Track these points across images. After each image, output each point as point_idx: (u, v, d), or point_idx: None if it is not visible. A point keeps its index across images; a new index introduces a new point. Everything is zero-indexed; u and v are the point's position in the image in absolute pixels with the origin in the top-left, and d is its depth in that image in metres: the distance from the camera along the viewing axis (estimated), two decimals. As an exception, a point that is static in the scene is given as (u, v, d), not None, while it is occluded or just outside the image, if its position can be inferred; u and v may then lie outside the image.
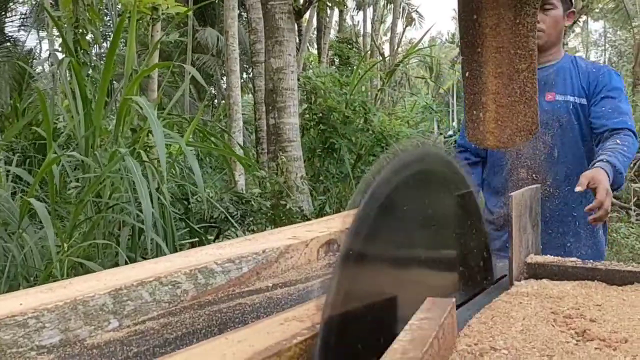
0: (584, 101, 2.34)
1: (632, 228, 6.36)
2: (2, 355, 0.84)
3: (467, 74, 1.30)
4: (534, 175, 2.33)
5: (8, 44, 17.24)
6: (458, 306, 1.08)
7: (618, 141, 2.17)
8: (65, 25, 4.71)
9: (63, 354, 0.89)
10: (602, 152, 2.13)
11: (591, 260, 1.24)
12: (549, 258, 1.25)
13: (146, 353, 0.89)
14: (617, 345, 0.80)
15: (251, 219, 4.32)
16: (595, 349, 0.79)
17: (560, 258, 1.26)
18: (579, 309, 0.98)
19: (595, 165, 2.04)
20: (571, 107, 2.34)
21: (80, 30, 4.75)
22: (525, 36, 1.24)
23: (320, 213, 5.66)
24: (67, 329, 0.93)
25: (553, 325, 0.90)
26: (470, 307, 1.06)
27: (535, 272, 1.22)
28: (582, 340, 0.83)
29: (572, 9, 2.41)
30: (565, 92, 2.36)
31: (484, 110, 1.26)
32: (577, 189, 1.95)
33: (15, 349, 0.86)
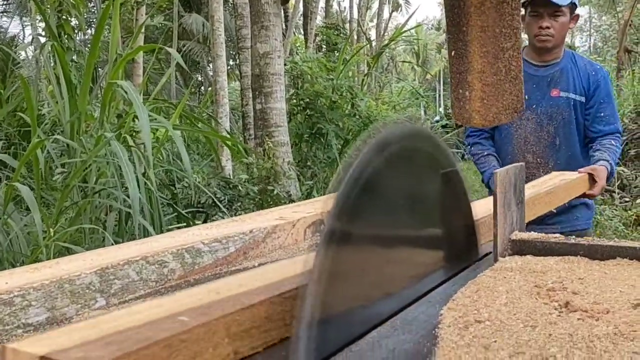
0: (583, 99, 2.71)
1: (616, 210, 6.44)
2: (-12, 333, 0.84)
3: (452, 53, 1.31)
4: (538, 159, 2.73)
5: (-10, 30, 17.00)
6: (443, 282, 1.09)
7: (613, 142, 2.69)
8: (49, 9, 4.65)
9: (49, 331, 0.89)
10: (604, 149, 2.64)
11: (574, 237, 1.26)
12: (533, 234, 1.27)
13: (134, 329, 0.89)
14: (599, 315, 0.81)
15: (239, 204, 4.32)
16: (578, 319, 0.80)
17: (544, 235, 1.27)
18: (561, 282, 1.00)
19: (601, 162, 2.56)
20: (572, 103, 2.71)
21: (64, 16, 4.69)
22: (510, 15, 1.25)
23: (307, 198, 5.67)
24: (53, 307, 0.94)
25: (537, 298, 0.92)
26: (455, 282, 1.08)
27: (520, 248, 1.24)
28: (565, 311, 0.84)
29: (577, 14, 2.73)
30: (567, 90, 2.72)
31: (469, 89, 1.27)
32: (581, 170, 2.48)
33: (1, 326, 0.86)
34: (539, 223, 2.70)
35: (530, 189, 2.12)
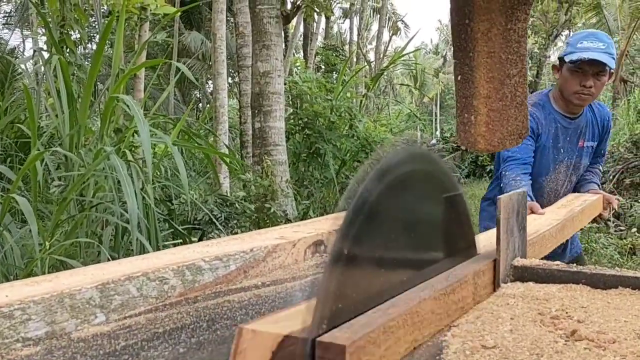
0: (595, 144, 2.86)
1: (611, 239, 6.45)
2: (-13, 346, 0.83)
3: (459, 78, 1.31)
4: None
5: (-9, 41, 17.05)
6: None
7: (600, 167, 3.03)
8: (51, 24, 4.66)
9: (49, 346, 0.87)
10: (594, 173, 2.96)
11: (575, 265, 1.26)
12: (535, 261, 1.27)
13: (134, 346, 0.88)
14: (605, 345, 0.80)
15: (235, 221, 4.30)
16: (585, 348, 0.80)
17: (546, 261, 1.27)
18: (565, 310, 0.99)
19: (593, 187, 2.90)
20: (590, 150, 2.84)
21: (67, 30, 4.71)
22: (517, 42, 1.26)
23: (304, 218, 5.65)
24: (53, 321, 0.92)
25: (541, 326, 0.91)
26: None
27: (522, 274, 1.23)
28: (570, 340, 0.84)
29: (612, 70, 2.67)
30: (589, 139, 2.80)
31: (475, 113, 1.28)
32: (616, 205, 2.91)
33: (0, 340, 0.85)
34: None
35: (562, 208, 2.39)
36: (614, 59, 2.58)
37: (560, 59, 2.67)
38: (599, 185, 2.92)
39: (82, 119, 3.45)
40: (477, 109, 1.28)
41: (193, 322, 0.99)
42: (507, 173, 2.68)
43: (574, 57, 2.55)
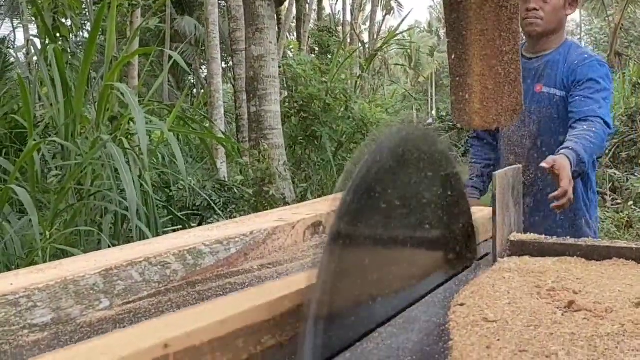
0: (564, 94, 2.32)
1: (608, 212, 6.48)
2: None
3: (452, 57, 1.32)
4: (521, 161, 2.30)
5: (-19, 32, 16.90)
6: (444, 282, 1.10)
7: (585, 126, 2.15)
8: (44, 11, 4.63)
9: (55, 331, 0.89)
10: (569, 137, 2.11)
11: (568, 237, 1.27)
12: (531, 236, 1.28)
13: (139, 330, 0.89)
14: (603, 315, 0.82)
15: (234, 206, 4.32)
16: (583, 319, 0.81)
17: (541, 236, 1.29)
18: (560, 282, 1.01)
19: (560, 152, 2.00)
20: (554, 99, 2.33)
21: (59, 17, 4.67)
22: (509, 19, 1.26)
23: (302, 200, 5.67)
24: (58, 308, 0.94)
25: (538, 298, 0.93)
26: (456, 282, 1.09)
27: (518, 249, 1.25)
28: (568, 311, 0.85)
29: None
30: (549, 85, 2.34)
31: (469, 91, 1.29)
32: (543, 164, 1.90)
33: (7, 327, 0.87)
34: None
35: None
36: None
37: None
38: (572, 149, 2.01)
39: (78, 107, 3.44)
40: (471, 86, 1.29)
41: (195, 304, 1.01)
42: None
43: None
